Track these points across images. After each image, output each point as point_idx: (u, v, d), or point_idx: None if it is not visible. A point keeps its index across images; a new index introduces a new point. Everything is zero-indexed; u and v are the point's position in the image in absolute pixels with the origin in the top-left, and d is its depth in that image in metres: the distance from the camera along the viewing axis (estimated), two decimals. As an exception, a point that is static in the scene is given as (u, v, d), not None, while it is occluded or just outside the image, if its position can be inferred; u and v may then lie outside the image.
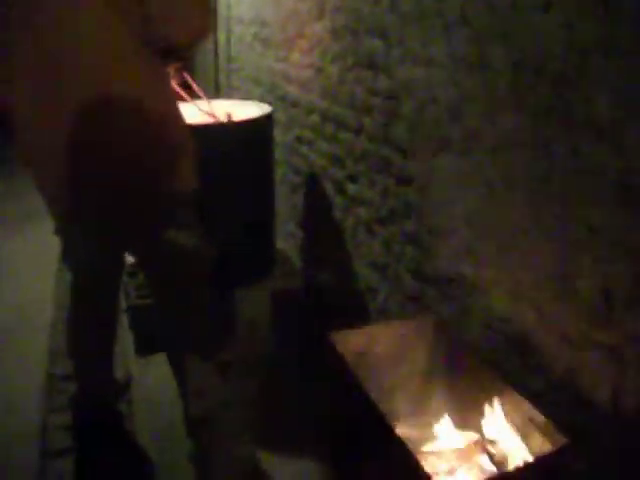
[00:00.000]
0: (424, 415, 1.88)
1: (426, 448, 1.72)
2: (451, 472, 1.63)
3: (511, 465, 1.54)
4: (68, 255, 2.27)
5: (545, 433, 1.53)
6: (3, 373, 2.95)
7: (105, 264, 2.25)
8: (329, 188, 3.25)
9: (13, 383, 2.88)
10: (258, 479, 2.23)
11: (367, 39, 2.63)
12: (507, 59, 1.79)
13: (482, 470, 1.61)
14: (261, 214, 3.67)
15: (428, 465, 1.48)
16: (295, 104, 3.65)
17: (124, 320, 3.16)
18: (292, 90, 3.68)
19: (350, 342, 1.89)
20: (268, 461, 2.31)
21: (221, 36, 5.29)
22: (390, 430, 1.54)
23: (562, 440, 1.47)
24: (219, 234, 3.38)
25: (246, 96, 4.51)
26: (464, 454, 1.67)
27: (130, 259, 3.64)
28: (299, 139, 3.65)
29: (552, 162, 1.64)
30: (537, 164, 1.69)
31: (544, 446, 1.51)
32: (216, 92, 5.36)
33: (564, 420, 1.54)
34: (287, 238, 3.97)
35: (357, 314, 2.96)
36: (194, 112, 3.60)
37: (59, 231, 2.14)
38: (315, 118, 3.35)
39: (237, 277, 3.49)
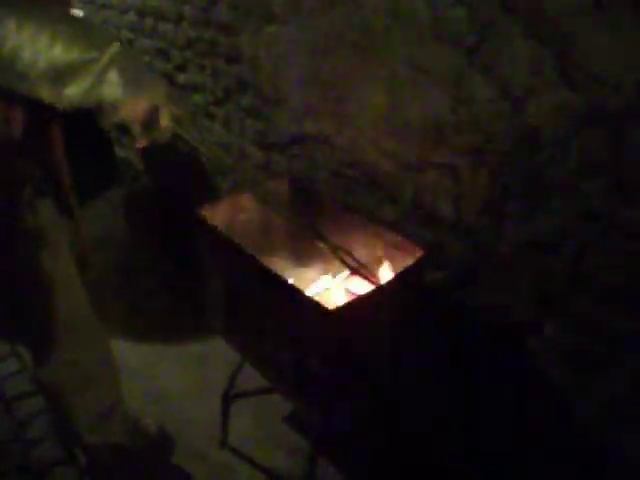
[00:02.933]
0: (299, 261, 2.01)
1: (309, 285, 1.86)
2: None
3: (381, 281, 1.71)
4: None
5: (403, 251, 1.71)
6: None
7: None
8: (159, 83, 3.24)
9: None
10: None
11: None
12: None
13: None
14: (95, 125, 3.61)
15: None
16: (107, 5, 3.55)
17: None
18: (101, -9, 3.56)
19: (217, 213, 1.94)
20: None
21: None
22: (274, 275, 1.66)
23: (418, 254, 1.67)
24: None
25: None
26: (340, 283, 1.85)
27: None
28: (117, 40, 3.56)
29: (375, 8, 1.80)
30: (356, 17, 1.85)
31: (404, 262, 1.68)
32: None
33: (418, 238, 1.77)
34: (126, 146, 3.94)
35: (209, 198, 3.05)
36: None
37: None
38: (132, 16, 3.30)
39: (83, 191, 3.46)
